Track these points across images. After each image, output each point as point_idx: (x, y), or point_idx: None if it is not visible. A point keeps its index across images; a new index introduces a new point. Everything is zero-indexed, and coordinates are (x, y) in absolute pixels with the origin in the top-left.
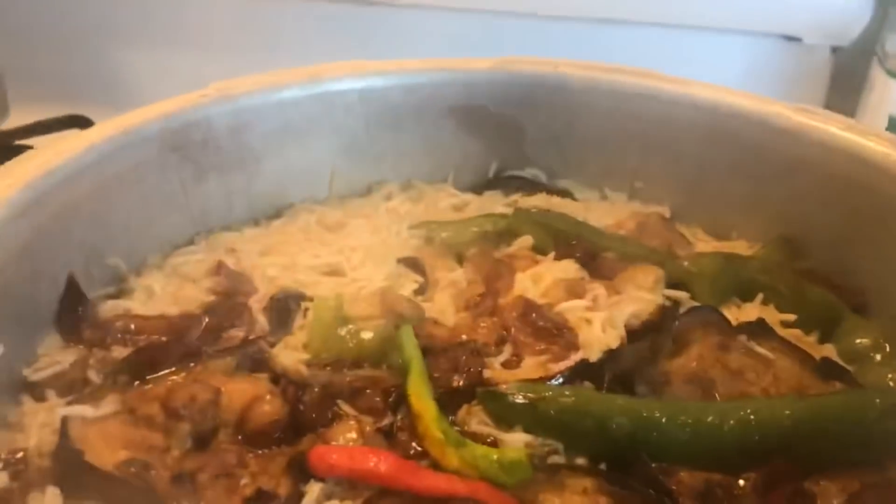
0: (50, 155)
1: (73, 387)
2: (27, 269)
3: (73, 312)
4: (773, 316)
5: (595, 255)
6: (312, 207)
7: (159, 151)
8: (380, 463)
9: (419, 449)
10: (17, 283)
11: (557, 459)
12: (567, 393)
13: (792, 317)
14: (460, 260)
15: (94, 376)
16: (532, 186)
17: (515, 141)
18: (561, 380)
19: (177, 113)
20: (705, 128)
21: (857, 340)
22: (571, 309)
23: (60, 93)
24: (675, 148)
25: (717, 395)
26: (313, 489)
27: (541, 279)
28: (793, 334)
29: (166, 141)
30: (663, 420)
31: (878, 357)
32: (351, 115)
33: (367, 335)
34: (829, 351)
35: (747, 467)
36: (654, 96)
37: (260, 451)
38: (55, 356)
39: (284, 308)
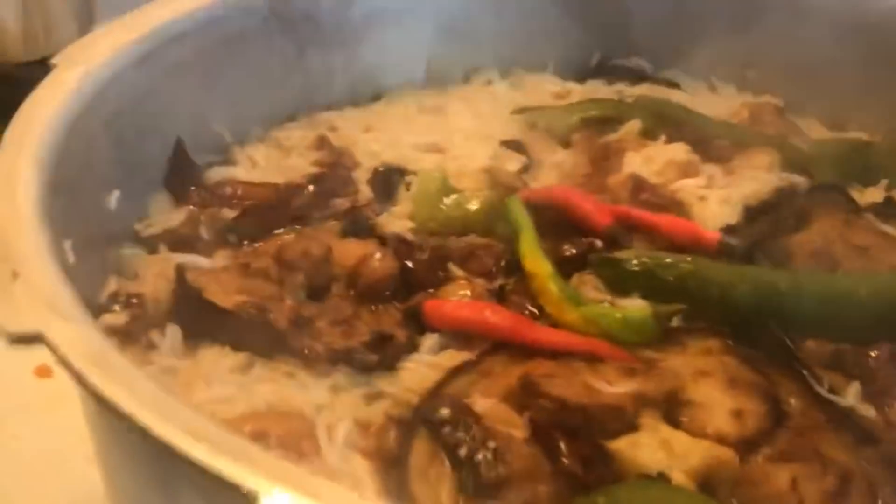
0: (166, 12)
1: (184, 242)
2: (141, 123)
3: (180, 173)
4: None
5: (707, 142)
6: (412, 91)
7: (264, 20)
8: (495, 315)
9: (533, 310)
10: (131, 135)
11: (680, 323)
12: (688, 260)
13: None
14: (565, 145)
15: (204, 233)
16: (637, 76)
17: (621, 26)
18: None
19: None
20: (824, 12)
21: None
22: (685, 187)
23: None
24: (790, 34)
25: (840, 271)
26: (429, 339)
27: (652, 160)
28: None
29: (272, 9)
30: (790, 289)
31: None
32: None
33: (473, 205)
34: None
35: (877, 338)
36: None
37: (373, 307)
38: (166, 215)
39: (388, 180)
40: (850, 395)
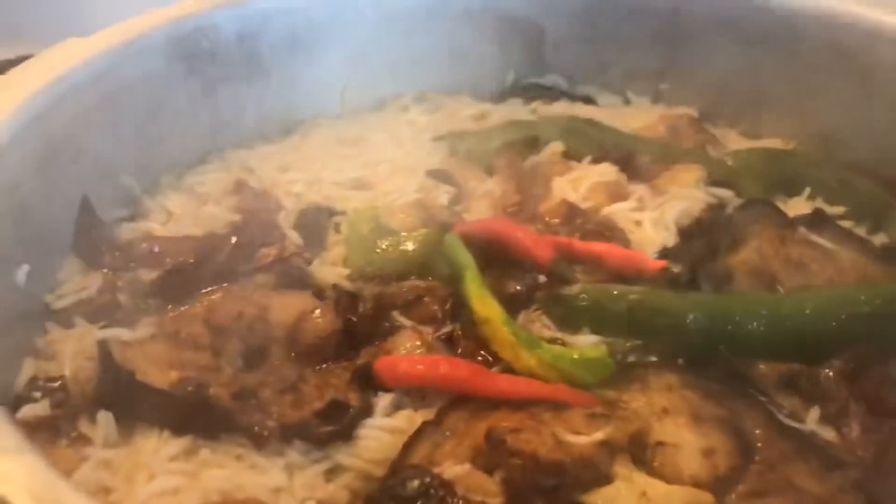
0: (56, 61)
1: (102, 312)
2: (42, 187)
3: (89, 235)
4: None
5: (631, 159)
6: (327, 122)
7: (167, 61)
8: (452, 369)
9: (485, 356)
10: (34, 201)
11: (634, 358)
12: (636, 290)
13: (841, 209)
14: (488, 170)
15: (123, 300)
16: (553, 94)
17: (535, 44)
18: None
19: (183, 18)
20: (734, 20)
21: None
22: (618, 212)
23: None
24: (703, 43)
25: (780, 288)
26: (384, 400)
27: (580, 183)
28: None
29: (174, 49)
30: (739, 313)
31: None
32: (361, 21)
33: (410, 245)
34: (882, 241)
35: (826, 357)
36: None
37: (318, 367)
38: (78, 282)
39: (315, 223)
40: (811, 420)
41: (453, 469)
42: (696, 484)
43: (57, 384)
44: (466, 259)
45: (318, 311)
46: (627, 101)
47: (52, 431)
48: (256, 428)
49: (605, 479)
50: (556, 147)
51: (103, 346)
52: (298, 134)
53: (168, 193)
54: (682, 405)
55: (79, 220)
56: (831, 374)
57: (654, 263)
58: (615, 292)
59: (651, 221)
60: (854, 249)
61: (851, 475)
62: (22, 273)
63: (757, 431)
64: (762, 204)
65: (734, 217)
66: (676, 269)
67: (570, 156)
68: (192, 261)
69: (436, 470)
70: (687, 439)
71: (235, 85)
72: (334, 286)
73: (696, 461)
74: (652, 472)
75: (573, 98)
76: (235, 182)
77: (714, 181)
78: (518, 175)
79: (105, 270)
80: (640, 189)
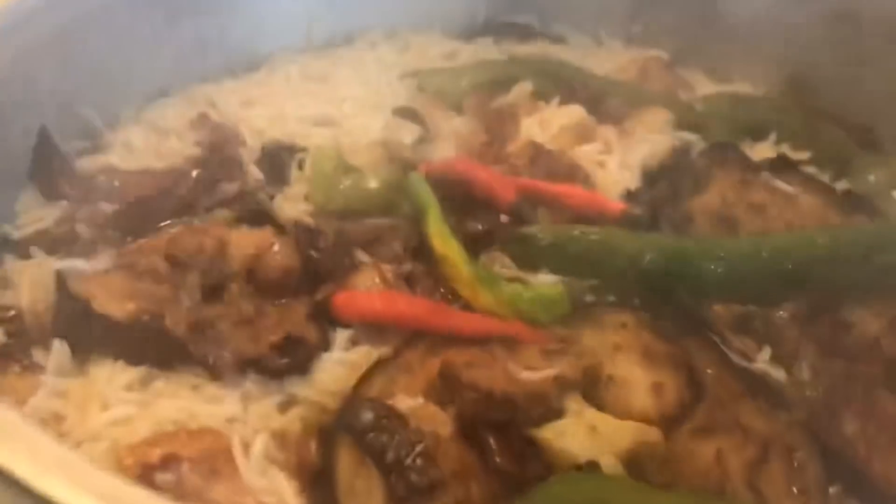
0: None
1: (60, 243)
2: None
3: (48, 165)
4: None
5: (600, 101)
6: (293, 57)
7: None
8: (410, 305)
9: (444, 293)
10: None
11: (591, 298)
12: (595, 231)
13: (805, 155)
14: (457, 109)
15: (82, 231)
16: (525, 33)
17: None
18: None
19: None
20: None
21: (871, 176)
22: (584, 154)
23: None
24: None
25: (740, 231)
26: (341, 335)
27: (548, 124)
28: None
29: None
30: (697, 254)
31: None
32: None
33: (373, 183)
34: (844, 188)
35: (782, 300)
36: None
37: (277, 302)
38: (36, 213)
39: (278, 159)
40: (762, 360)
41: (406, 401)
42: (645, 419)
43: (12, 313)
44: (429, 198)
45: (276, 247)
46: (600, 43)
47: (4, 359)
48: (211, 359)
49: (556, 414)
50: (526, 87)
51: (60, 276)
52: (264, 69)
53: (129, 126)
54: (635, 342)
55: (37, 150)
56: (785, 315)
57: (614, 205)
58: (574, 233)
59: (616, 164)
60: (815, 195)
61: (797, 415)
62: None
63: (708, 370)
64: (726, 148)
65: (698, 160)
66: (637, 210)
67: (540, 96)
68: (151, 195)
69: (389, 402)
70: (637, 375)
71: (200, 17)
72: (296, 222)
73: (646, 397)
74: (602, 407)
75: (545, 37)
76: (197, 116)
77: (681, 125)
78: (486, 115)
79: (63, 202)
80: (606, 131)
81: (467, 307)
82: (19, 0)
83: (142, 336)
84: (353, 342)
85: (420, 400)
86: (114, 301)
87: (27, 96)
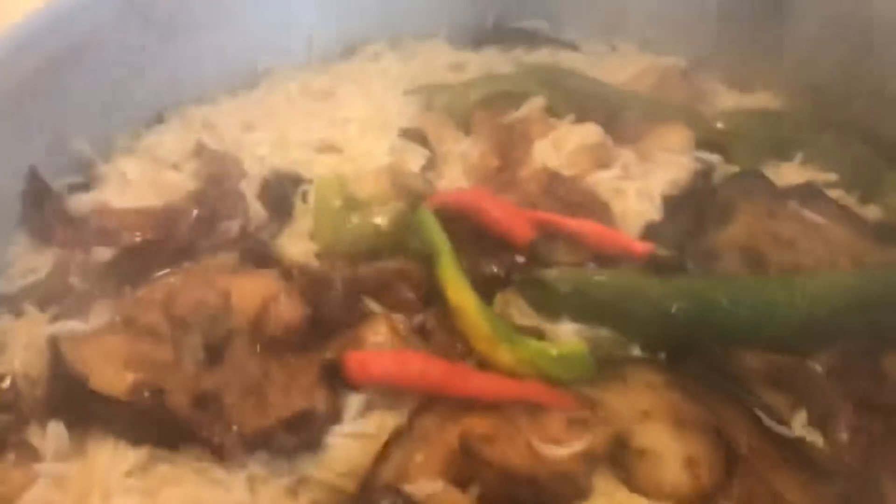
0: None
1: (53, 297)
2: None
3: (39, 208)
4: (814, 176)
5: (615, 117)
6: (292, 74)
7: (118, 13)
8: (427, 369)
9: (459, 348)
10: None
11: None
12: (619, 277)
13: (834, 177)
14: (465, 127)
15: (76, 282)
16: (534, 39)
17: None
18: None
19: None
20: None
21: None
22: (601, 181)
23: None
24: None
25: (769, 267)
26: (354, 402)
27: (562, 145)
28: (836, 196)
29: None
30: (725, 301)
31: None
32: None
33: (381, 220)
34: (874, 211)
35: (816, 348)
36: None
37: (283, 360)
38: (28, 262)
39: (281, 192)
40: (798, 424)
41: (426, 487)
42: (678, 498)
43: (6, 383)
44: (440, 240)
45: (283, 299)
46: (613, 48)
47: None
48: (216, 440)
49: (584, 494)
50: (537, 103)
51: (54, 344)
52: (262, 86)
53: (123, 157)
54: (664, 407)
55: (27, 193)
56: (819, 369)
57: (639, 246)
58: (596, 279)
59: (636, 192)
60: (846, 226)
61: (838, 486)
62: None
63: (742, 437)
64: (752, 176)
65: (722, 190)
66: (662, 251)
67: (552, 112)
68: (149, 238)
69: (408, 488)
70: (668, 447)
71: (195, 34)
72: (301, 269)
73: (678, 473)
74: (632, 484)
75: (556, 44)
76: (196, 144)
77: (702, 143)
78: (496, 134)
79: (56, 248)
80: (624, 154)
81: (483, 363)
82: (8, 34)
83: (143, 416)
84: (368, 407)
85: (440, 484)
86: (111, 370)
87: (16, 136)
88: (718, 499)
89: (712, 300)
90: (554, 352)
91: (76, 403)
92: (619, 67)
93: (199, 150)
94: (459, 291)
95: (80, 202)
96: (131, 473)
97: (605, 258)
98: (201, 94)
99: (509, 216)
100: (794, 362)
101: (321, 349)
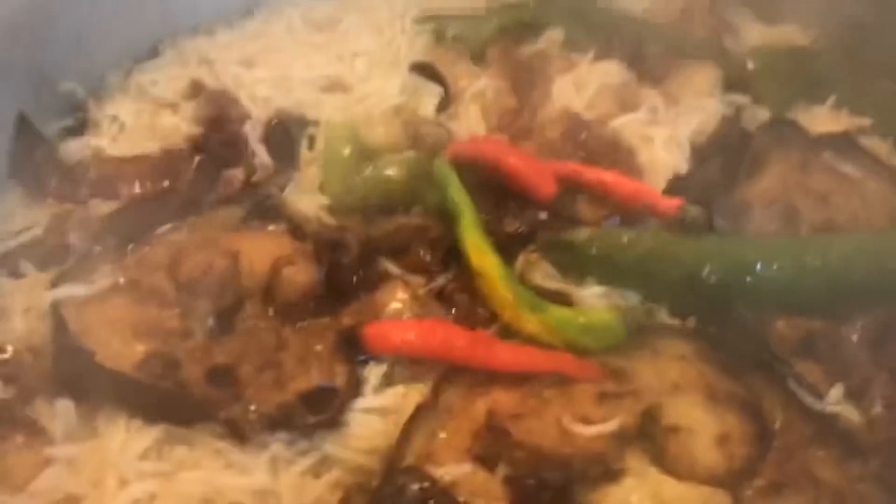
0: None
1: (52, 256)
2: None
3: (31, 157)
4: (845, 121)
5: (638, 49)
6: (293, 0)
7: None
8: (450, 339)
9: (482, 312)
10: None
11: (645, 318)
12: (648, 238)
13: (866, 122)
14: (479, 58)
15: (74, 240)
16: None
17: None
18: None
19: None
20: None
21: None
22: (627, 125)
23: None
24: None
25: (801, 223)
26: (373, 374)
27: (583, 86)
28: (870, 144)
29: None
30: (758, 263)
31: None
32: None
33: (394, 171)
34: None
35: (850, 313)
36: None
37: (296, 326)
38: (22, 217)
39: (286, 136)
40: (833, 399)
41: (454, 470)
42: (712, 477)
43: (8, 353)
44: (461, 198)
45: (296, 263)
46: None
47: (7, 425)
48: (236, 420)
49: (615, 474)
50: (556, 35)
51: (57, 312)
52: (261, 13)
53: (116, 97)
54: (696, 380)
55: (16, 141)
56: (854, 338)
57: (667, 202)
58: (625, 240)
59: (663, 140)
60: (881, 180)
61: (871, 465)
62: None
63: (776, 414)
64: (786, 126)
65: (755, 140)
66: (695, 212)
67: (571, 45)
68: (149, 189)
69: (435, 471)
70: (701, 422)
71: None
72: (315, 233)
73: (711, 450)
74: (664, 464)
75: None
76: (192, 83)
77: (731, 82)
78: (513, 70)
79: (51, 200)
80: (650, 96)
81: (508, 330)
82: None
83: (156, 393)
84: (388, 380)
85: (468, 467)
86: (119, 341)
87: (3, 84)
88: (752, 477)
89: (745, 262)
90: (582, 319)
91: (84, 378)
92: None
93: (197, 89)
94: (482, 256)
95: (73, 149)
96: (146, 455)
97: (630, 213)
98: (196, 23)
99: (532, 169)
100: (827, 329)
101: (336, 314)
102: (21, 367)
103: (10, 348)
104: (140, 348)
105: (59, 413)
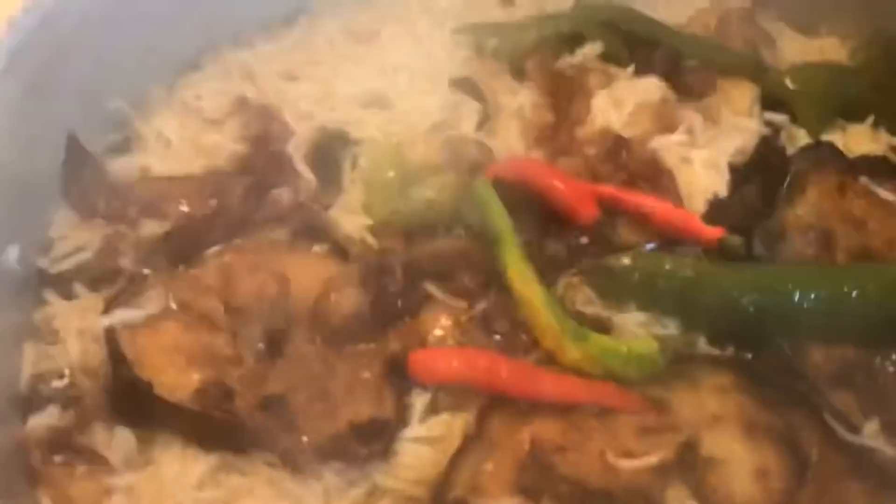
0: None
1: (103, 277)
2: (23, 136)
3: (80, 178)
4: (885, 140)
5: (677, 63)
6: (333, 9)
7: None
8: (494, 367)
9: (524, 338)
10: (15, 157)
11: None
12: (689, 266)
13: None
14: (517, 71)
15: (125, 263)
16: None
17: None
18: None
19: None
20: None
21: None
22: (666, 146)
23: None
24: None
25: (837, 250)
26: (419, 401)
27: (622, 102)
28: None
29: None
30: (797, 294)
31: None
32: None
33: (436, 194)
34: None
35: (887, 345)
36: None
37: (343, 352)
38: (73, 238)
39: (330, 155)
40: (869, 432)
41: (500, 503)
42: None
43: (65, 381)
44: (503, 223)
45: (343, 286)
46: None
47: (69, 453)
48: (289, 449)
49: None
50: (594, 48)
51: (112, 339)
52: (302, 25)
53: (161, 112)
54: (734, 412)
55: (67, 162)
56: (891, 368)
57: (709, 231)
58: (667, 267)
59: (702, 161)
60: None
61: None
62: (10, 258)
63: (812, 447)
64: (821, 148)
65: (793, 163)
66: (736, 242)
67: (610, 58)
68: (197, 210)
69: (482, 503)
70: (739, 455)
71: None
72: (360, 255)
73: (749, 483)
74: (701, 492)
75: None
76: (236, 99)
77: (768, 100)
78: (551, 84)
79: (101, 220)
80: (689, 114)
81: (548, 357)
82: (33, 7)
83: (210, 422)
84: (433, 408)
85: (514, 500)
86: (175, 372)
87: (54, 99)
88: None
89: (783, 292)
90: (624, 348)
91: (140, 405)
92: (679, 4)
93: (240, 106)
94: (525, 283)
95: (121, 168)
96: (202, 485)
97: (670, 239)
98: (237, 33)
99: (574, 192)
100: (862, 359)
101: (380, 339)
102: (78, 392)
103: (67, 372)
104: (195, 377)
105: (119, 441)
